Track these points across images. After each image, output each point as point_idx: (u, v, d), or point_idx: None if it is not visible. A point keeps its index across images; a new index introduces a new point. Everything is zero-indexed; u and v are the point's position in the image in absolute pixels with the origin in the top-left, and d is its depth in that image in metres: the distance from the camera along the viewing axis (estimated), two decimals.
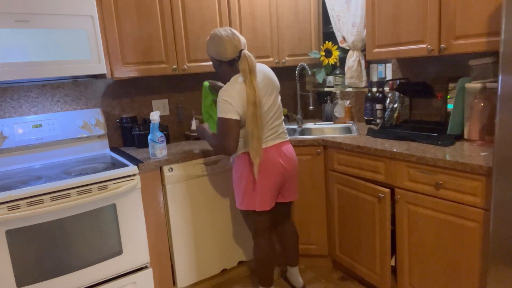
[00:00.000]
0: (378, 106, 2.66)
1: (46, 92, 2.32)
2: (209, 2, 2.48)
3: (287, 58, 2.85)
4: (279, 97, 2.04)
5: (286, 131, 2.09)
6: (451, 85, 2.23)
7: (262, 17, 2.68)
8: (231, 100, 1.82)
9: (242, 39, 1.91)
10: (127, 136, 2.54)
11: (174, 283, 2.32)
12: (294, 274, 2.32)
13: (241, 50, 1.87)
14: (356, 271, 2.35)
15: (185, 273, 2.32)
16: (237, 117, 1.83)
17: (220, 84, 2.16)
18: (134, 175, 2.03)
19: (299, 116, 2.90)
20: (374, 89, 2.70)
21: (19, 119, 2.18)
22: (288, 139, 2.09)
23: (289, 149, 2.06)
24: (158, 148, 2.16)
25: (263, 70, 1.97)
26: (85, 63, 2.04)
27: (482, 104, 1.92)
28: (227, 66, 1.91)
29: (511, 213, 1.49)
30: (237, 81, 1.86)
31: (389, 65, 2.71)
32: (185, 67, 2.43)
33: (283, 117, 2.08)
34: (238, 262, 2.54)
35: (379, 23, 2.29)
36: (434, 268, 1.89)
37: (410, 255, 2.00)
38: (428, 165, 1.83)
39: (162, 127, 2.46)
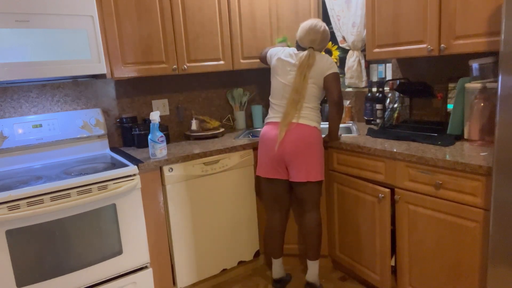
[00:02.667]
0: (378, 106, 2.66)
1: (46, 92, 2.32)
2: (209, 2, 2.48)
3: None
4: (315, 87, 2.15)
5: (310, 116, 2.14)
6: (451, 85, 2.24)
7: (262, 17, 2.68)
8: (275, 50, 2.32)
9: (313, 37, 2.15)
10: (127, 136, 2.54)
11: (174, 283, 2.32)
12: (309, 267, 2.30)
13: (310, 47, 2.17)
14: (356, 271, 2.35)
15: (185, 273, 2.33)
16: (268, 61, 2.36)
17: None
18: (134, 175, 2.03)
19: None
20: (374, 89, 2.70)
21: (19, 119, 2.18)
22: (305, 123, 2.12)
23: (299, 130, 2.10)
24: (158, 148, 2.16)
25: (318, 59, 2.15)
26: (85, 63, 2.04)
27: (482, 104, 1.92)
28: (296, 44, 2.27)
29: (511, 213, 1.49)
30: (286, 50, 2.25)
31: (389, 65, 2.71)
32: (185, 67, 2.43)
33: (313, 104, 2.16)
34: (238, 262, 2.54)
35: (379, 23, 2.29)
36: (434, 268, 1.89)
37: (410, 255, 2.00)
38: (428, 165, 1.83)
39: (162, 127, 2.46)
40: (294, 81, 2.13)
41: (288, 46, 2.44)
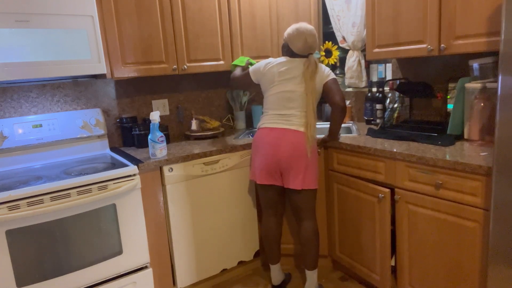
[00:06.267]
0: (378, 106, 2.66)
1: (46, 92, 2.32)
2: (209, 2, 2.48)
3: None
4: (316, 93, 2.12)
5: (303, 123, 2.09)
6: (451, 85, 2.24)
7: (262, 17, 2.68)
8: (260, 64, 2.21)
9: (310, 42, 2.10)
10: (127, 136, 2.54)
11: (174, 283, 2.32)
12: (308, 277, 2.25)
13: (309, 54, 2.13)
14: (356, 271, 2.35)
15: (185, 273, 2.33)
16: (252, 77, 2.23)
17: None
18: (134, 175, 2.03)
19: None
20: (374, 89, 2.70)
21: (19, 119, 2.18)
22: (299, 129, 2.07)
23: (293, 137, 2.06)
24: (158, 148, 2.16)
25: (318, 66, 2.14)
26: (85, 63, 2.04)
27: (482, 104, 1.92)
28: (287, 52, 2.18)
29: (511, 213, 1.49)
30: (278, 60, 2.16)
31: (389, 65, 2.71)
32: (185, 67, 2.43)
33: (306, 111, 2.11)
34: (238, 262, 2.54)
35: (379, 23, 2.29)
36: (434, 268, 1.89)
37: (410, 255, 2.00)
38: (428, 165, 1.83)
39: (162, 127, 2.47)
40: (308, 90, 2.08)
41: (252, 64, 2.37)
